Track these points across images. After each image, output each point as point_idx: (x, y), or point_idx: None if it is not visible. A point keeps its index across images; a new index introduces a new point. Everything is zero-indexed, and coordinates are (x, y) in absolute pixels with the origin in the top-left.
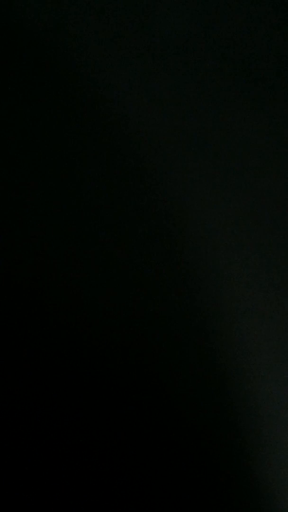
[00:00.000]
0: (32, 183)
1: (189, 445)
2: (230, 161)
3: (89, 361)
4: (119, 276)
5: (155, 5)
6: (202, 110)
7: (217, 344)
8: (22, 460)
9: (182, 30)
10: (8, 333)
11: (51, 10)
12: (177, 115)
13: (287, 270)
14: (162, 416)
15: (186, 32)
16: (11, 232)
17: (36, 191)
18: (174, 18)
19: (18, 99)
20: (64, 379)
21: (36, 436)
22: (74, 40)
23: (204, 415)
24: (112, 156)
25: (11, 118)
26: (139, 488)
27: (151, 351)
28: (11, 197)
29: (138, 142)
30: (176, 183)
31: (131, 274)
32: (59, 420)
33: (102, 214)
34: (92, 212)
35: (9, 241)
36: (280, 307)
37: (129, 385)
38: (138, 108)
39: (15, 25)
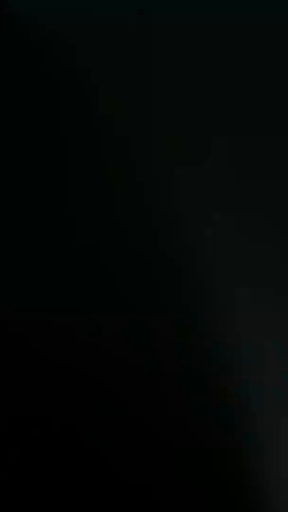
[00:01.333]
0: (29, 186)
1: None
2: (231, 166)
3: (88, 365)
4: (115, 282)
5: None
6: (201, 113)
7: (216, 350)
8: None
9: (183, 35)
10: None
11: (49, 17)
12: (176, 119)
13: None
14: (160, 422)
15: (187, 37)
16: (8, 240)
17: (33, 194)
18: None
19: (17, 107)
20: (63, 384)
21: (38, 437)
22: (73, 46)
23: (204, 419)
24: (110, 161)
25: (9, 121)
26: (138, 490)
27: (149, 356)
28: (6, 203)
29: (138, 147)
30: (176, 188)
31: (128, 280)
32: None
33: (99, 218)
34: (89, 219)
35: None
36: (280, 312)
37: (129, 388)
38: (136, 112)
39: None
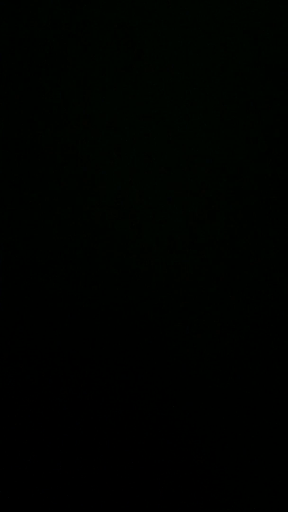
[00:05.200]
0: (31, 184)
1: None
2: (231, 170)
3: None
4: (117, 280)
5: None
6: (201, 115)
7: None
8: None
9: (182, 42)
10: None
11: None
12: (176, 121)
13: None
14: (162, 415)
15: (187, 45)
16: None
17: (36, 193)
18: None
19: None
20: (64, 377)
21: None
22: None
23: (204, 412)
24: (113, 164)
25: (12, 123)
26: (138, 489)
27: (150, 350)
28: (12, 202)
29: (138, 149)
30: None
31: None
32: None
33: (103, 221)
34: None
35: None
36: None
37: (130, 378)
38: (138, 115)
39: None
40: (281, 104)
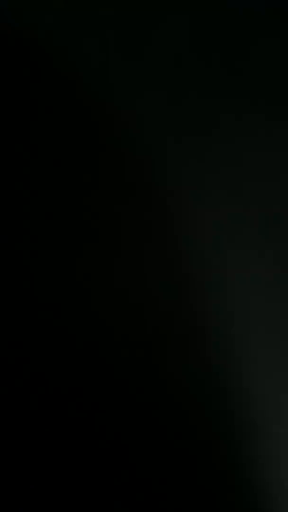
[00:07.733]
0: (31, 186)
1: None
2: (231, 166)
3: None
4: (116, 281)
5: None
6: (201, 115)
7: (216, 352)
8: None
9: (182, 44)
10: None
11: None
12: (177, 123)
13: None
14: (162, 419)
15: (186, 47)
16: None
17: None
18: (173, 33)
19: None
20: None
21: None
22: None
23: (203, 416)
24: (114, 165)
25: (12, 123)
26: (137, 490)
27: (150, 355)
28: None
29: (139, 150)
30: (177, 192)
31: (129, 278)
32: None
33: (100, 216)
34: (91, 218)
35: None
36: (281, 312)
37: (129, 385)
38: (139, 116)
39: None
40: None
